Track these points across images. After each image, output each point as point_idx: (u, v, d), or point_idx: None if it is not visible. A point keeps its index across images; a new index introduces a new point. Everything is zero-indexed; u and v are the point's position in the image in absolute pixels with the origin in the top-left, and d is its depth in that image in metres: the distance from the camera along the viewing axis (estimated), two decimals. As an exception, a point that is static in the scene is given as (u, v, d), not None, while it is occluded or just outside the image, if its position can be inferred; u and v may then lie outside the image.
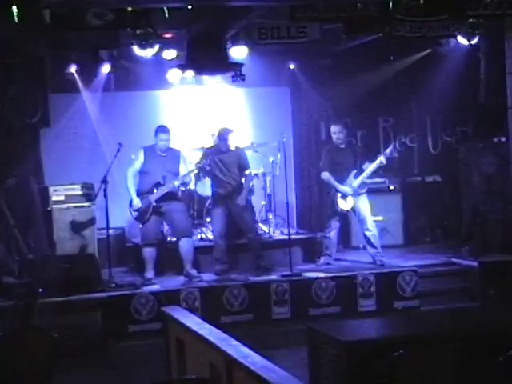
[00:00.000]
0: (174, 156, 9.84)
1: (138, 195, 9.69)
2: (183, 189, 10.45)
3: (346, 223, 11.48)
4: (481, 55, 10.93)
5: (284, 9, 9.03)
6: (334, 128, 10.80)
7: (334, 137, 10.72)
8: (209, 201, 11.00)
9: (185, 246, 9.83)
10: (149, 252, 9.77)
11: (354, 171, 10.50)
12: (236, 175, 10.27)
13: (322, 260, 10.67)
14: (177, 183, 9.69)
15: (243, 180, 10.32)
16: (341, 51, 11.45)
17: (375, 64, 11.92)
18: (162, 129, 9.87)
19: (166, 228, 10.46)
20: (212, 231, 10.41)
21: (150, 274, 9.75)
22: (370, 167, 10.49)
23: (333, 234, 10.70)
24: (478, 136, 11.68)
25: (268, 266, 10.22)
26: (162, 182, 9.62)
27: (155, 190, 9.62)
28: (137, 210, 9.69)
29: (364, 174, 10.49)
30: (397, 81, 12.14)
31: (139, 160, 9.75)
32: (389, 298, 9.81)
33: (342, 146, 10.69)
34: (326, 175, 10.60)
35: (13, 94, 9.69)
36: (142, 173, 9.76)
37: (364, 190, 10.57)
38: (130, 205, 9.76)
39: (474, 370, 5.24)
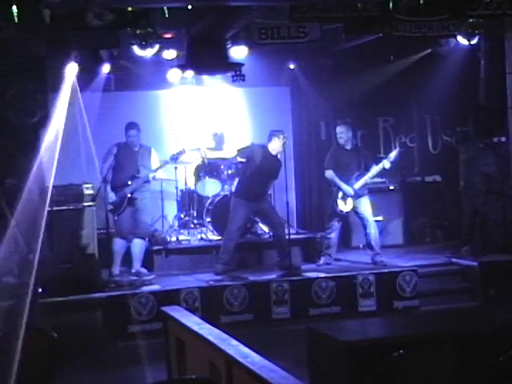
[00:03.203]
0: (145, 152, 10.10)
1: (112, 189, 9.88)
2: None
3: (347, 223, 11.47)
4: (481, 55, 10.94)
5: (284, 9, 9.03)
6: (339, 129, 10.81)
7: (339, 137, 10.72)
8: (209, 201, 11.01)
9: (138, 245, 9.95)
10: (119, 245, 9.80)
11: (357, 173, 10.51)
12: (268, 183, 10.32)
13: (321, 260, 10.68)
14: (151, 175, 9.99)
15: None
16: (341, 51, 11.45)
17: (375, 64, 11.93)
18: (130, 125, 10.10)
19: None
20: (228, 230, 10.19)
21: (116, 269, 9.79)
22: (372, 170, 10.52)
23: (333, 234, 10.72)
24: (478, 136, 11.66)
25: (296, 265, 10.15)
26: (136, 174, 9.84)
27: (130, 183, 9.80)
28: (112, 203, 9.80)
29: (366, 177, 10.52)
30: (397, 81, 12.15)
31: (112, 156, 9.97)
32: (389, 298, 9.82)
33: (348, 147, 10.70)
34: (330, 173, 10.60)
35: (13, 94, 9.67)
36: (115, 168, 9.98)
37: (365, 192, 10.59)
38: (105, 200, 9.92)
39: (474, 370, 5.24)
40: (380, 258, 10.46)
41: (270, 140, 10.22)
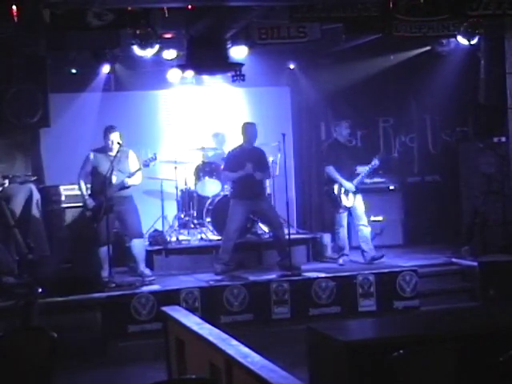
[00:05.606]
0: (123, 155, 9.81)
1: (90, 195, 9.74)
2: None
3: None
4: (481, 55, 10.93)
5: (284, 9, 9.03)
6: (346, 124, 10.73)
7: (345, 134, 10.68)
8: (209, 201, 11.01)
9: (137, 246, 9.86)
10: (105, 251, 9.69)
11: (353, 170, 10.53)
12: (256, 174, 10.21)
13: (341, 260, 10.66)
14: (127, 180, 9.70)
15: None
16: (341, 51, 11.46)
17: (375, 64, 11.92)
18: (108, 129, 9.82)
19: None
20: (226, 230, 10.17)
21: (105, 272, 9.64)
22: (364, 170, 10.51)
23: (344, 232, 10.68)
24: (478, 136, 11.67)
25: (296, 265, 10.10)
26: (112, 180, 9.61)
27: (106, 189, 9.55)
28: (91, 210, 9.71)
29: (359, 178, 10.52)
30: (397, 81, 12.15)
31: (90, 162, 9.78)
32: (389, 298, 9.81)
33: (347, 145, 10.69)
34: (330, 169, 10.56)
35: (13, 94, 9.68)
36: (93, 174, 9.79)
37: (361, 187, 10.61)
38: (84, 207, 9.82)
39: (473, 370, 5.24)
40: (374, 252, 10.45)
41: (243, 134, 10.26)
